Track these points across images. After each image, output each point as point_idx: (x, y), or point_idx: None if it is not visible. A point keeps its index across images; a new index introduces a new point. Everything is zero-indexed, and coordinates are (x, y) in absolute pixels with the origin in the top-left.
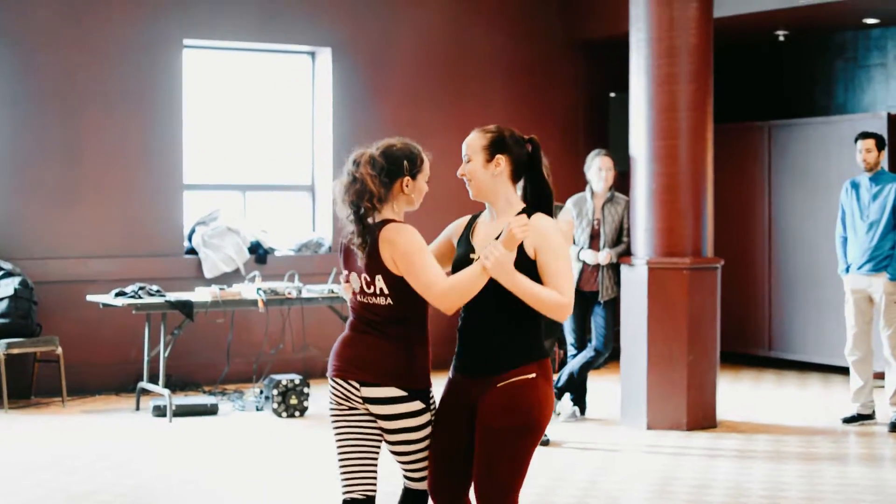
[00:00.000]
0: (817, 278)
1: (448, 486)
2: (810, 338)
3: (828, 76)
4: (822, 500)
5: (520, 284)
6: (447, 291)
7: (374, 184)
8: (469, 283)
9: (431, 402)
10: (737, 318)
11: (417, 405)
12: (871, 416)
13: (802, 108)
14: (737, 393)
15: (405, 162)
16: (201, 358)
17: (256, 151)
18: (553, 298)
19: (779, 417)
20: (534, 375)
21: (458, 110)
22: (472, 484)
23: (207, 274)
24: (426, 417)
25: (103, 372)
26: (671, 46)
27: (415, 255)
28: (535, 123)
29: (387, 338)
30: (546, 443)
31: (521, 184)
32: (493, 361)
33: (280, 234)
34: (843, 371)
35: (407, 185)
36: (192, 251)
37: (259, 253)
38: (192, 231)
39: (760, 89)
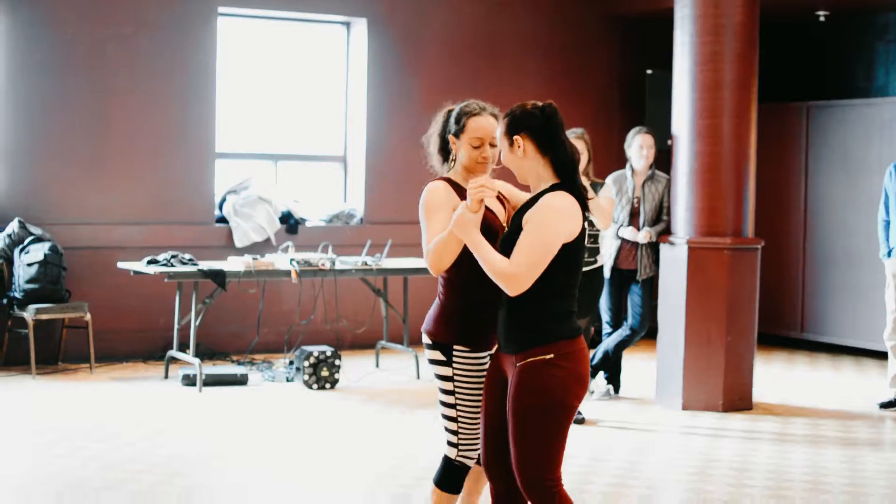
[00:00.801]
0: (853, 261)
1: (498, 460)
2: (844, 321)
3: (868, 58)
4: (866, 486)
5: (477, 245)
6: (428, 253)
7: (428, 134)
8: (442, 245)
9: (455, 360)
10: (770, 299)
11: (438, 355)
12: None
13: (842, 89)
14: (770, 374)
15: (452, 120)
16: (229, 327)
17: (289, 121)
18: (500, 266)
19: (814, 400)
20: (551, 356)
21: (492, 85)
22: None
23: (238, 243)
24: (448, 371)
25: (131, 339)
26: (716, 24)
27: (423, 215)
28: (570, 100)
29: (438, 293)
30: (581, 421)
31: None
32: (515, 340)
33: (311, 204)
34: (877, 355)
35: (454, 144)
36: (222, 220)
37: (290, 223)
38: (223, 200)
39: (799, 70)
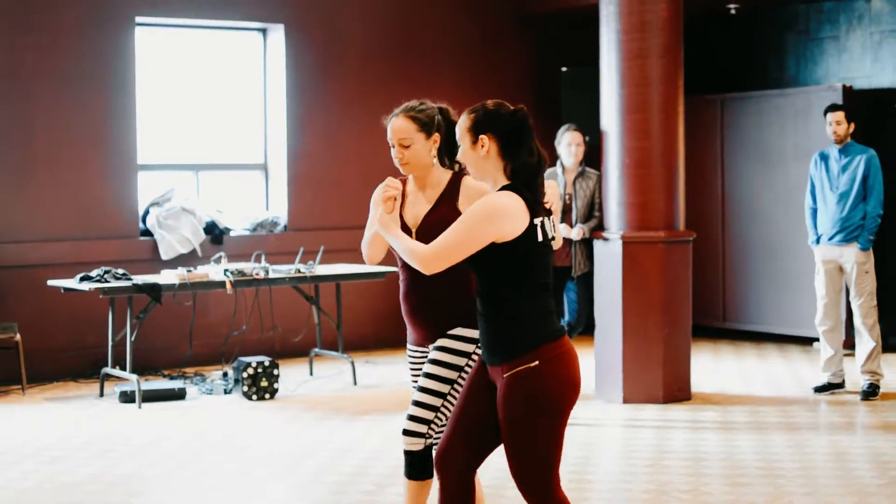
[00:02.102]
0: (772, 249)
1: (455, 456)
2: (766, 308)
3: (779, 49)
4: (818, 468)
5: (396, 238)
6: (362, 246)
7: None
8: (371, 240)
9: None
10: (692, 289)
11: None
12: (841, 385)
13: (754, 81)
14: (700, 365)
15: None
16: (158, 342)
17: (208, 131)
18: (415, 250)
19: (748, 388)
20: (536, 364)
21: (410, 87)
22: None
23: (164, 255)
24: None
25: (59, 358)
26: (642, 20)
27: None
28: (485, 97)
29: None
30: None
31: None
32: (498, 351)
33: (234, 213)
34: (799, 340)
35: None
36: (146, 233)
37: (215, 233)
38: (146, 212)
39: (712, 63)
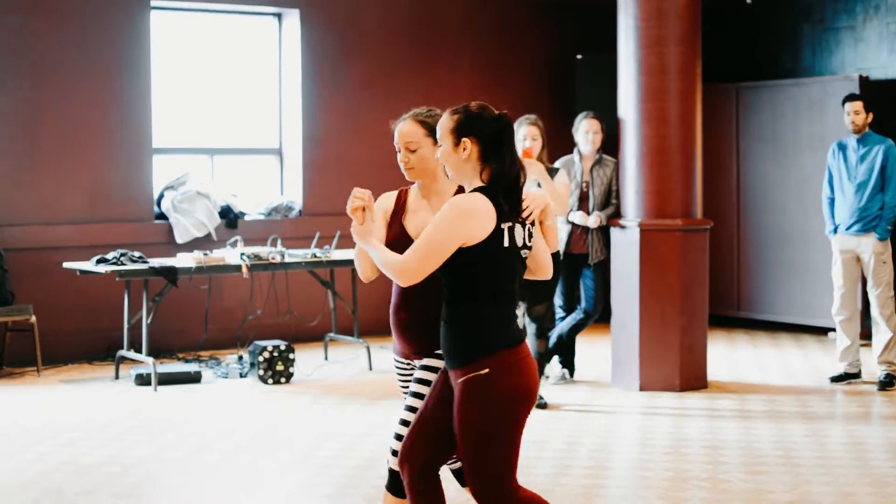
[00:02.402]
0: (786, 239)
1: (418, 454)
2: (780, 298)
3: (795, 39)
4: (836, 458)
5: (374, 250)
6: None
7: None
8: (357, 255)
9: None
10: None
11: None
12: (857, 375)
13: (770, 70)
14: (715, 353)
15: None
16: (173, 325)
17: (224, 115)
18: (389, 261)
19: (764, 377)
20: (486, 371)
21: (425, 73)
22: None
23: (179, 239)
24: None
25: (74, 340)
26: (660, 8)
27: None
28: (502, 86)
29: None
30: (544, 406)
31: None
32: (454, 354)
33: (249, 198)
34: (814, 330)
35: None
36: (161, 216)
37: (230, 217)
38: (161, 196)
39: (728, 51)
